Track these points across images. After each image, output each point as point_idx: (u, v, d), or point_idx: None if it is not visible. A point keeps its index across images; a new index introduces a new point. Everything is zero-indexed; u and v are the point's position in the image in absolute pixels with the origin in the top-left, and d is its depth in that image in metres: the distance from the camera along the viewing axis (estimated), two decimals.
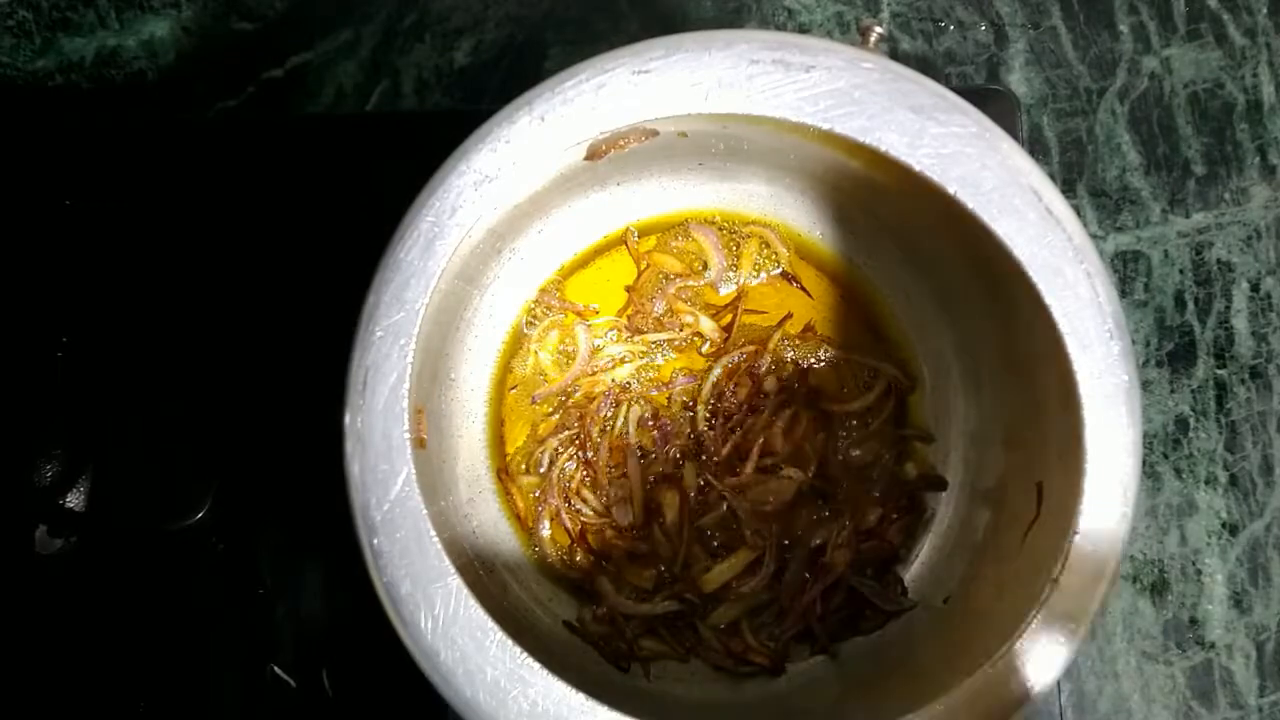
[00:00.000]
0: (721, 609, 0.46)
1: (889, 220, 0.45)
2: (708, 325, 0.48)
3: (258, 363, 0.50)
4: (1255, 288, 0.55)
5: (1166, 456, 0.53)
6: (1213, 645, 0.52)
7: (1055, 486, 0.38)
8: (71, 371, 0.50)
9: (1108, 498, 0.36)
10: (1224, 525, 0.53)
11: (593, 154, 0.39)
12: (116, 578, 0.49)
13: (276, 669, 0.48)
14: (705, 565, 0.47)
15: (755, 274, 0.49)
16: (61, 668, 0.48)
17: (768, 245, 0.48)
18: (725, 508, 0.47)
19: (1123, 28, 0.57)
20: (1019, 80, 0.56)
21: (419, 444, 0.37)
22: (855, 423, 0.48)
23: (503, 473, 0.47)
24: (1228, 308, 0.55)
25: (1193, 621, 0.52)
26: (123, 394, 0.50)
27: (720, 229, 0.49)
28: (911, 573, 0.46)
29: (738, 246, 0.49)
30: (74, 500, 0.49)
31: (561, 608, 0.47)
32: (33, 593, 0.49)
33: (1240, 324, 0.55)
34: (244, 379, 0.50)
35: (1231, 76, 0.57)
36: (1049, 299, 0.36)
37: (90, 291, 0.50)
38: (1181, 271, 0.55)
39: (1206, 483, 0.53)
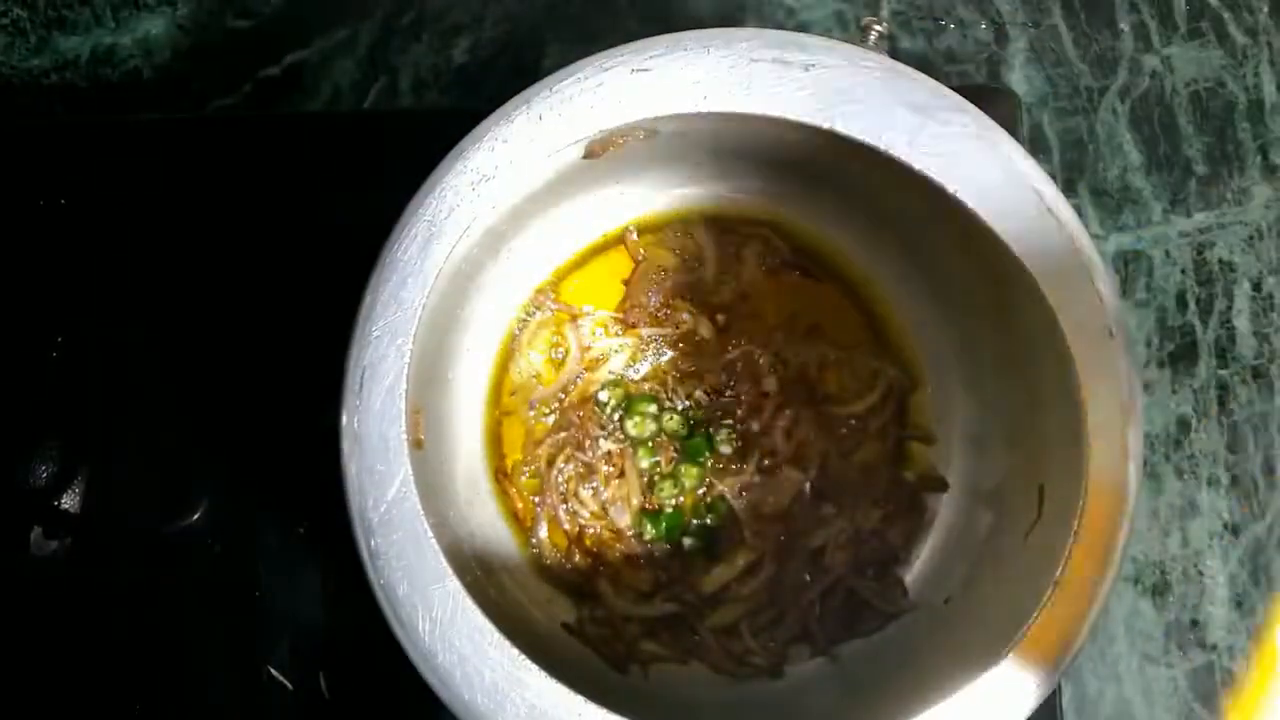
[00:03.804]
0: (721, 610, 0.46)
1: (889, 219, 0.45)
2: (704, 322, 0.48)
3: (254, 363, 0.50)
4: (1257, 287, 0.55)
5: (1168, 457, 0.53)
6: (1214, 647, 0.52)
7: (1056, 488, 0.38)
8: (66, 372, 0.50)
9: (1109, 499, 0.36)
10: (1226, 526, 0.53)
11: (590, 153, 0.39)
12: (112, 579, 0.48)
13: (273, 671, 0.48)
14: (703, 567, 0.46)
15: (756, 273, 0.48)
16: (56, 669, 0.48)
17: (769, 245, 0.48)
18: (725, 509, 0.47)
19: (1123, 26, 0.57)
20: (1020, 79, 0.56)
21: (416, 445, 0.37)
22: (856, 423, 0.47)
23: (500, 474, 0.47)
24: (1229, 308, 0.55)
25: (1194, 623, 0.52)
26: (118, 394, 0.50)
27: (722, 229, 0.48)
28: (912, 574, 0.46)
29: (739, 246, 0.48)
30: (69, 501, 0.49)
31: (559, 609, 0.46)
32: (27, 594, 0.48)
33: (1242, 324, 0.54)
34: (240, 379, 0.50)
35: (1233, 75, 0.57)
36: (1050, 299, 0.36)
37: (85, 291, 0.50)
38: (1183, 271, 0.55)
39: (1208, 484, 0.53)
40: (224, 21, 0.55)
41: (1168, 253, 0.55)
